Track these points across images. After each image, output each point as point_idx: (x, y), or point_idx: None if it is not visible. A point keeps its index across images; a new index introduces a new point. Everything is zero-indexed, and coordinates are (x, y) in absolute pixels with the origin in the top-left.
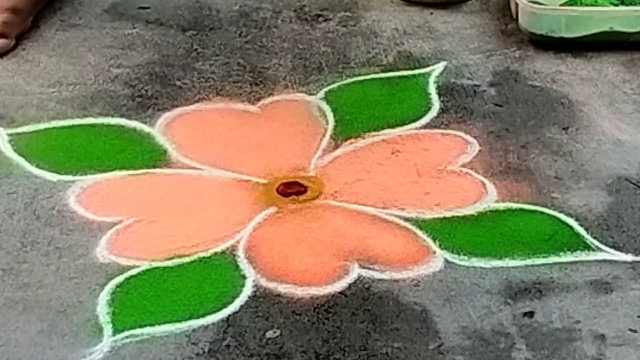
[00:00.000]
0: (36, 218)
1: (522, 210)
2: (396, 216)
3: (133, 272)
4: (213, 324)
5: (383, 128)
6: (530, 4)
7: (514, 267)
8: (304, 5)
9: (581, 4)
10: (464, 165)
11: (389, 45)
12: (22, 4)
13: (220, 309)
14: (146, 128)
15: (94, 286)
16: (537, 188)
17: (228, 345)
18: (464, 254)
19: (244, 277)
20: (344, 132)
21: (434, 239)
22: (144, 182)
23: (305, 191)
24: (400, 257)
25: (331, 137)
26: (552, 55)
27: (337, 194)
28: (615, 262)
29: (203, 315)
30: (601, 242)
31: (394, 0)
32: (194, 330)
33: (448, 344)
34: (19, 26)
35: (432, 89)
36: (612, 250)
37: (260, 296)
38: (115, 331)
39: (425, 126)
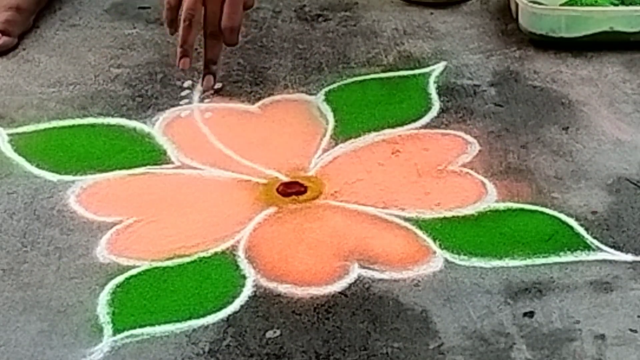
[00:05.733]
0: (36, 218)
1: (522, 210)
2: (396, 216)
3: (133, 272)
4: (213, 324)
5: (383, 128)
6: (530, 4)
7: (514, 267)
8: (304, 5)
9: (581, 4)
10: (464, 165)
11: (389, 45)
12: (25, 2)
13: (220, 309)
14: (146, 128)
15: (94, 286)
16: (537, 188)
17: (228, 345)
18: (464, 254)
19: (244, 277)
20: (344, 132)
21: (434, 239)
22: (144, 182)
23: (305, 191)
24: (400, 257)
25: (331, 137)
26: (552, 55)
27: (337, 194)
28: (615, 262)
29: (203, 315)
30: (601, 242)
31: (394, 0)
32: (194, 330)
33: (448, 344)
34: (22, 25)
35: (432, 89)
36: (612, 250)
37: (260, 296)
38: (115, 331)
39: (426, 126)
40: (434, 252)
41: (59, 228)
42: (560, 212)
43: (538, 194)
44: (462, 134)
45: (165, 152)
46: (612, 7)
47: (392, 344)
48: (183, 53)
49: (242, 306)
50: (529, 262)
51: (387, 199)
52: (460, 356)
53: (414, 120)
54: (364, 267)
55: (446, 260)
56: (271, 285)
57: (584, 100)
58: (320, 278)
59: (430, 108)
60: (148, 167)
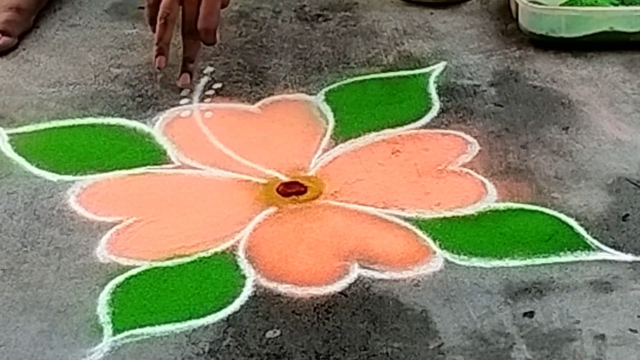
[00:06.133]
0: (36, 218)
1: (522, 210)
2: (396, 216)
3: (133, 272)
4: (213, 324)
5: (383, 128)
6: (530, 4)
7: (514, 267)
8: (304, 5)
9: (581, 4)
10: (464, 165)
11: (389, 45)
12: (25, 2)
13: (220, 309)
14: (146, 128)
15: (94, 286)
16: (537, 188)
17: (228, 345)
18: (464, 254)
19: (244, 277)
20: (344, 132)
21: (434, 239)
22: (144, 182)
23: (305, 191)
24: (400, 257)
25: (331, 137)
26: (552, 55)
27: (337, 194)
28: (615, 262)
29: (203, 315)
30: (601, 242)
31: (394, 0)
32: (194, 330)
33: (448, 344)
34: (22, 25)
35: (432, 89)
36: (612, 250)
37: (260, 296)
38: (115, 331)
39: (426, 126)
40: (434, 252)
41: (59, 228)
42: (560, 212)
43: (538, 194)
44: (462, 134)
45: (165, 152)
46: (612, 7)
47: (392, 344)
48: (159, 51)
49: (242, 306)
50: (529, 262)
51: (387, 199)
52: (460, 356)
53: (414, 120)
54: (364, 267)
55: (446, 260)
56: (271, 285)
57: (584, 100)
58: (320, 278)
59: (430, 108)
60: (148, 167)
